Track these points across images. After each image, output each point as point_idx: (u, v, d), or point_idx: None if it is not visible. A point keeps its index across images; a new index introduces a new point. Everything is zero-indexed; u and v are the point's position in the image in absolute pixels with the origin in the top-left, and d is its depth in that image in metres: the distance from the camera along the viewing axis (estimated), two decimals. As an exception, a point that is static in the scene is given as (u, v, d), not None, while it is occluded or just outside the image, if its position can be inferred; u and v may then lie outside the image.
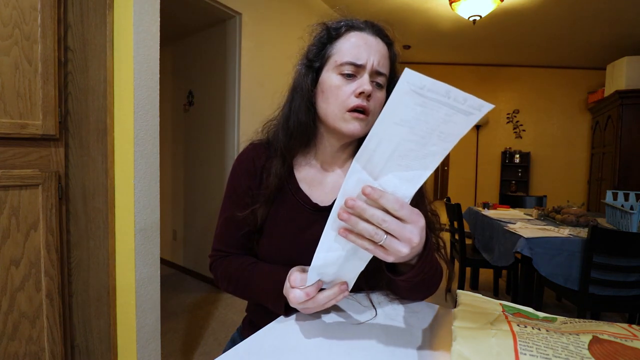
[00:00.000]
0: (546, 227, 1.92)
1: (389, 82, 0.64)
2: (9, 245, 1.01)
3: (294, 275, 0.52)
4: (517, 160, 4.83)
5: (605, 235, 1.50)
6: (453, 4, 2.90)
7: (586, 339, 0.37)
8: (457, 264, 2.43)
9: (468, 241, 2.41)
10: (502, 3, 2.87)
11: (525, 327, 0.39)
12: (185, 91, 2.94)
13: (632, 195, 1.92)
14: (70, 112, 1.17)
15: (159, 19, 1.27)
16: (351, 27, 0.62)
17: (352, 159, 0.66)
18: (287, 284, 0.53)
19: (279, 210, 0.68)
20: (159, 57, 1.28)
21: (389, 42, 0.64)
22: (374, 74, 0.60)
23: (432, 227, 0.65)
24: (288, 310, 0.56)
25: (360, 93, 0.58)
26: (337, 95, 0.60)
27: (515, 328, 0.39)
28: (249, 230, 0.68)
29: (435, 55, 4.75)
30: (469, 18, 2.94)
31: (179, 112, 3.02)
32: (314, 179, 0.70)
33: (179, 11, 2.40)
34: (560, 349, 0.34)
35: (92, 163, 1.21)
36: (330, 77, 0.61)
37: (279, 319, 0.56)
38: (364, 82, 0.59)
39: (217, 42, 2.56)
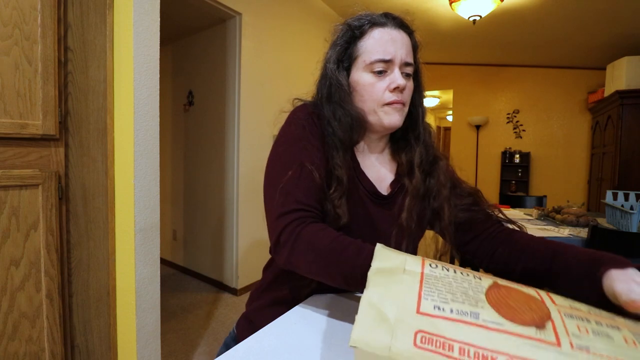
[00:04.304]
0: (546, 227, 1.91)
1: (414, 71, 0.66)
2: (9, 245, 1.01)
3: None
4: (517, 160, 4.82)
5: (605, 235, 1.50)
6: (453, 4, 2.90)
7: (486, 283, 0.37)
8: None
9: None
10: (502, 3, 2.87)
11: (436, 266, 0.39)
12: (185, 91, 2.94)
13: (632, 195, 1.92)
14: (70, 112, 1.17)
15: (159, 19, 1.27)
16: (374, 24, 0.63)
17: (388, 146, 0.73)
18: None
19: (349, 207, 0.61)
20: (159, 57, 1.28)
21: (410, 32, 0.65)
22: (403, 65, 0.62)
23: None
24: None
25: (395, 88, 0.61)
26: (371, 92, 0.63)
27: (427, 269, 0.39)
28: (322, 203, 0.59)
29: (435, 55, 4.74)
30: (469, 18, 2.94)
31: (179, 112, 3.02)
32: (371, 168, 0.69)
33: (179, 11, 2.40)
34: (459, 293, 0.35)
35: (92, 163, 1.21)
36: (362, 77, 0.63)
37: (278, 319, 0.54)
38: (396, 77, 0.61)
39: (217, 42, 2.56)
